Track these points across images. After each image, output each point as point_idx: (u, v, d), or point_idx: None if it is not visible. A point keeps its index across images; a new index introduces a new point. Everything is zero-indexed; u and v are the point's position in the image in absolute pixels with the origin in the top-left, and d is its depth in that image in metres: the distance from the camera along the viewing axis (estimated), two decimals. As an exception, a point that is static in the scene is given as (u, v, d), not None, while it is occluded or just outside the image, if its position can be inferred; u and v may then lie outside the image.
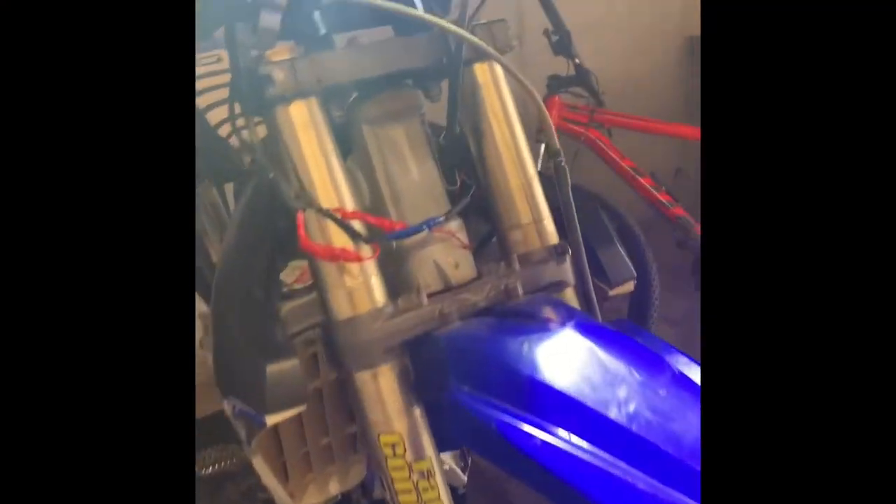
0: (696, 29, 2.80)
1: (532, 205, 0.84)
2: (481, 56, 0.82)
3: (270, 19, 0.76)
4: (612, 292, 0.86)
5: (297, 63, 0.74)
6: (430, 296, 0.78)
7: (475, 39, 0.76)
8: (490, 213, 0.86)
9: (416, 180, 0.83)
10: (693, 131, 2.47)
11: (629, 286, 0.87)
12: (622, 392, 0.60)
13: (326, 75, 0.75)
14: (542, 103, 0.78)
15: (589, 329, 0.68)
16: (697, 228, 2.22)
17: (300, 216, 0.72)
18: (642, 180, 2.45)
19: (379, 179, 0.82)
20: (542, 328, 0.69)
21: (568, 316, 0.72)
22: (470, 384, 0.68)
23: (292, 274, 0.90)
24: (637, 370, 0.63)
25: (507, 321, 0.74)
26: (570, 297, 0.85)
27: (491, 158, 0.84)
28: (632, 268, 0.87)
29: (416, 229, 0.76)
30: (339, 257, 0.71)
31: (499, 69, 0.84)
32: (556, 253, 0.82)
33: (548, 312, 0.73)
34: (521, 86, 0.77)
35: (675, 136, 2.52)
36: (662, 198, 2.43)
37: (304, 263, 0.92)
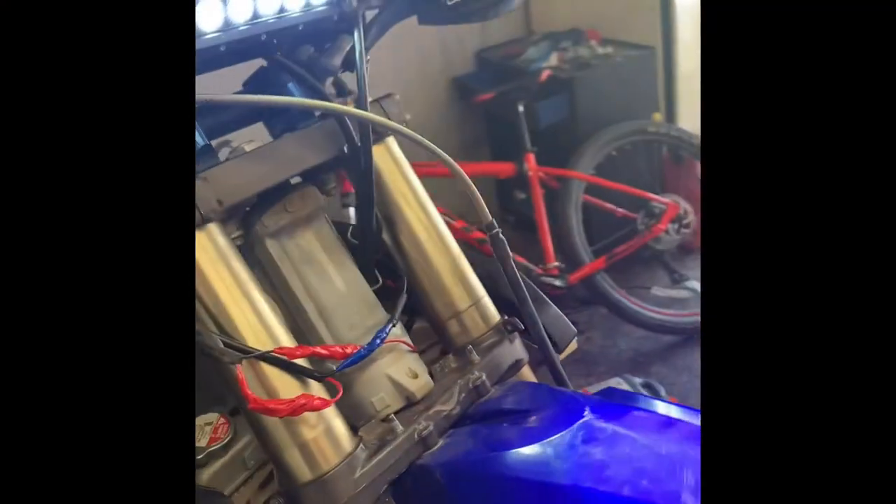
0: (457, 70, 2.91)
1: (466, 287, 0.76)
2: (376, 138, 0.74)
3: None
4: (561, 356, 0.81)
5: (197, 187, 0.60)
6: (391, 418, 0.67)
7: (388, 121, 0.68)
8: (421, 305, 0.77)
9: (341, 289, 0.72)
10: (491, 167, 2.52)
11: (574, 345, 0.83)
12: (678, 473, 0.55)
13: (227, 195, 0.62)
14: (467, 178, 0.71)
15: (601, 411, 0.62)
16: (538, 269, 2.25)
17: (239, 371, 0.58)
18: (455, 224, 2.47)
19: (299, 298, 0.70)
20: (548, 425, 0.62)
21: (554, 399, 0.66)
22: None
23: (202, 436, 0.73)
24: (674, 443, 0.58)
25: (497, 426, 0.65)
26: (526, 374, 0.79)
27: (411, 247, 0.76)
28: (572, 325, 0.83)
29: (371, 347, 0.65)
30: (303, 408, 0.58)
31: (395, 147, 0.76)
32: (507, 331, 0.76)
33: (534, 402, 0.66)
34: (443, 160, 0.70)
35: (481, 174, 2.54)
36: (475, 236, 2.47)
37: (211, 418, 0.76)
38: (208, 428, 0.74)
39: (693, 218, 2.29)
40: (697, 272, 2.33)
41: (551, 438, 0.59)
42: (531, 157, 2.25)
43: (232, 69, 0.71)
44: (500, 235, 0.73)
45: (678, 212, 2.25)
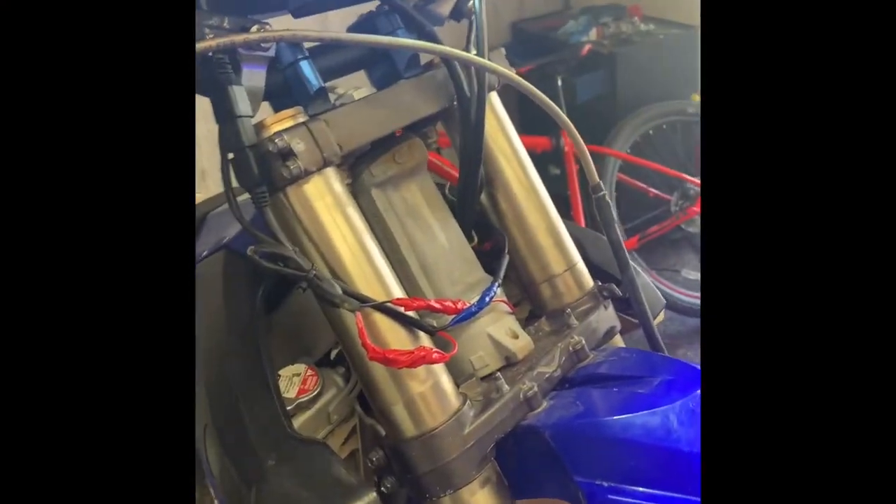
0: (492, 41, 2.87)
1: (563, 251, 0.75)
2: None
3: (255, 76, 0.59)
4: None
5: (315, 129, 0.58)
6: (495, 377, 0.66)
7: (504, 70, 0.65)
8: (514, 267, 0.76)
9: (444, 245, 0.70)
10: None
11: (662, 315, 0.82)
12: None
13: (347, 139, 0.60)
14: (577, 135, 0.69)
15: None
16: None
17: (359, 319, 0.57)
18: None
19: (402, 251, 0.68)
20: (664, 391, 0.61)
21: (669, 366, 0.64)
22: (599, 475, 0.58)
23: (290, 387, 0.72)
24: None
25: (606, 391, 0.64)
26: (617, 341, 0.78)
27: (509, 207, 0.74)
28: (661, 295, 0.82)
29: (481, 305, 0.64)
30: (423, 360, 0.57)
31: (498, 103, 0.74)
32: (603, 297, 0.74)
33: (644, 369, 0.65)
34: (556, 117, 0.67)
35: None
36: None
37: (299, 369, 0.75)
38: (297, 379, 0.73)
39: (728, 202, 2.27)
40: (728, 257, 2.32)
41: (673, 405, 0.58)
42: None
43: (323, 18, 0.68)
44: (607, 199, 0.71)
45: (713, 195, 2.23)
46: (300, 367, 0.74)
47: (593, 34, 2.47)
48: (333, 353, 0.79)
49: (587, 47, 2.32)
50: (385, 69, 0.71)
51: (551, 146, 2.25)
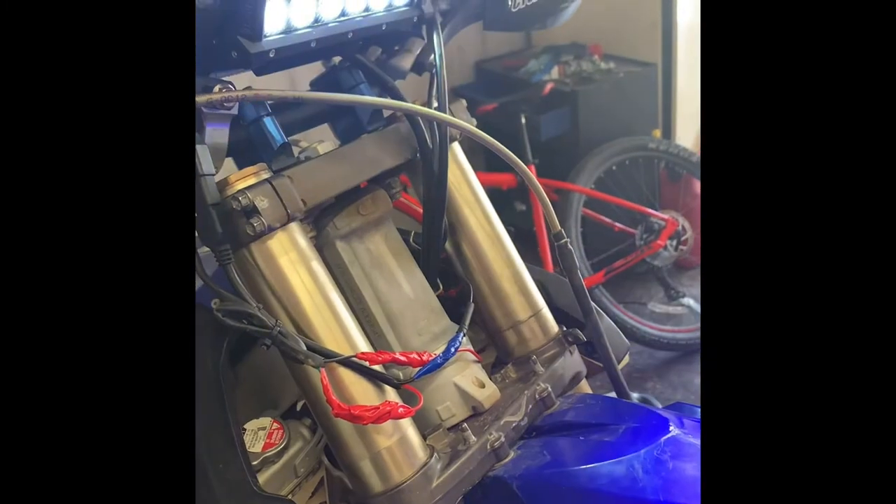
0: (457, 80, 2.92)
1: (527, 297, 0.75)
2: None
3: (218, 133, 0.59)
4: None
5: (278, 186, 0.58)
6: (462, 428, 0.66)
7: (464, 124, 0.67)
8: (478, 314, 0.76)
9: (409, 295, 0.70)
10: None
11: (627, 358, 0.83)
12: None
13: (311, 194, 0.61)
14: (538, 185, 0.71)
15: (686, 426, 0.61)
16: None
17: (324, 376, 0.56)
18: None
19: (368, 302, 0.68)
20: (630, 439, 0.61)
21: (635, 413, 0.65)
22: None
23: (256, 441, 0.71)
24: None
25: (572, 439, 0.64)
26: (583, 387, 0.78)
27: (473, 254, 0.75)
28: (625, 339, 0.83)
29: (447, 356, 0.64)
30: (388, 416, 0.57)
31: (460, 153, 0.75)
32: (568, 342, 0.75)
33: (610, 416, 0.65)
34: (516, 167, 0.69)
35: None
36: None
37: (265, 423, 0.74)
38: (262, 433, 0.72)
39: (690, 235, 2.31)
40: (693, 289, 2.36)
41: (638, 453, 0.58)
42: (532, 169, 2.25)
43: (289, 71, 0.69)
44: (569, 246, 0.72)
45: (676, 228, 2.28)
46: (266, 421, 0.73)
47: (555, 72, 2.52)
48: (299, 405, 0.79)
49: (549, 86, 2.37)
50: (348, 122, 0.72)
51: (517, 182, 2.28)
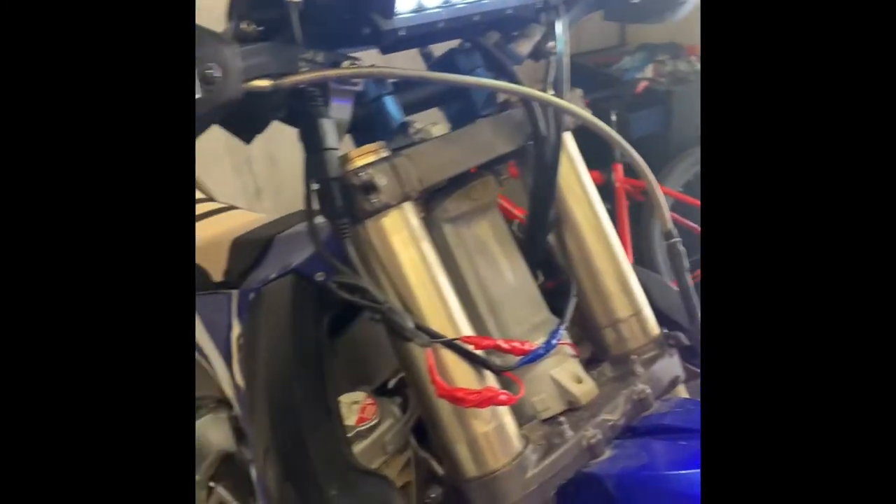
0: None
1: (629, 296, 0.74)
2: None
3: (342, 109, 0.60)
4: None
5: (397, 164, 0.59)
6: (559, 421, 0.65)
7: (584, 113, 0.65)
8: (580, 308, 0.75)
9: (511, 283, 0.70)
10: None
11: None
12: None
13: (426, 175, 0.61)
14: (654, 180, 0.69)
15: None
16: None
17: (430, 355, 0.57)
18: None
19: (471, 287, 0.68)
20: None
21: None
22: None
23: (349, 415, 0.72)
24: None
25: (672, 443, 0.63)
26: (680, 389, 0.76)
27: (576, 248, 0.74)
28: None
29: (549, 347, 0.64)
30: (490, 401, 0.57)
31: (572, 143, 0.74)
32: (668, 345, 0.73)
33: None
34: (632, 159, 0.67)
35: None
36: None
37: (358, 397, 0.75)
38: (355, 407, 0.73)
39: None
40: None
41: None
42: (619, 168, 2.20)
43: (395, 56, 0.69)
44: (680, 246, 0.70)
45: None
46: (359, 396, 0.74)
47: (649, 71, 2.46)
48: (391, 383, 0.79)
49: (643, 84, 2.31)
50: (461, 106, 0.72)
51: (602, 181, 2.24)
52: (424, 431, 0.77)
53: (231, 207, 1.14)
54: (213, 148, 1.97)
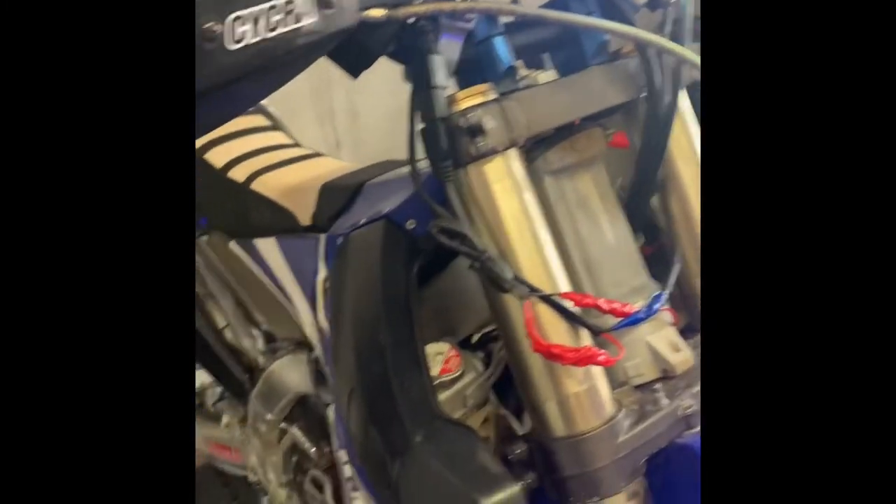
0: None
1: (734, 264, 0.70)
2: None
3: (452, 47, 0.58)
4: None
5: (506, 108, 0.56)
6: (653, 388, 0.62)
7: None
8: (679, 277, 0.71)
9: (611, 243, 0.67)
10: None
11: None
12: None
13: (534, 122, 0.58)
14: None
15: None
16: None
17: (528, 308, 0.55)
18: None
19: (568, 243, 0.65)
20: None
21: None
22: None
23: (433, 365, 0.71)
24: None
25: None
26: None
27: (683, 213, 0.70)
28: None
29: (650, 312, 0.61)
30: (588, 360, 0.54)
31: (686, 101, 0.70)
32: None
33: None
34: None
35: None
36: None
37: (442, 348, 0.74)
38: (439, 357, 0.72)
39: None
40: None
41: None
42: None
43: None
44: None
45: None
46: (444, 347, 0.73)
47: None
48: (475, 338, 0.78)
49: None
50: (570, 54, 0.69)
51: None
52: (504, 389, 0.76)
53: (318, 154, 1.14)
54: (298, 98, 1.98)
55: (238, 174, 1.04)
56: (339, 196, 0.86)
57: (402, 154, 0.96)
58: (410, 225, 0.70)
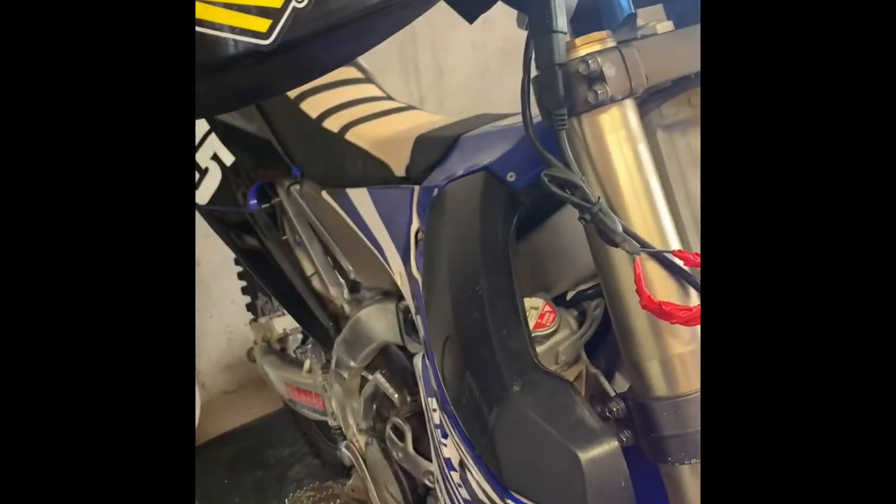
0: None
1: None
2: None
3: (570, -9, 0.56)
4: None
5: (627, 56, 0.54)
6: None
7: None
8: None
9: (721, 203, 0.64)
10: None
11: None
12: None
13: (653, 72, 0.56)
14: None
15: None
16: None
17: (637, 263, 0.54)
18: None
19: (678, 200, 0.64)
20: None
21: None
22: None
23: (529, 318, 0.71)
24: None
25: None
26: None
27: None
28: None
29: (763, 274, 0.58)
30: (698, 321, 0.53)
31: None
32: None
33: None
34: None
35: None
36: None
37: (538, 303, 0.73)
38: (534, 312, 0.72)
39: None
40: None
41: None
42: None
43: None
44: None
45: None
46: (538, 302, 0.72)
47: None
48: (570, 295, 0.77)
49: None
50: (687, 5, 0.66)
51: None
52: (596, 348, 0.75)
53: (412, 108, 1.14)
54: (386, 53, 1.98)
55: (333, 124, 1.05)
56: (434, 148, 0.86)
57: (485, 111, 0.96)
58: (511, 177, 0.69)
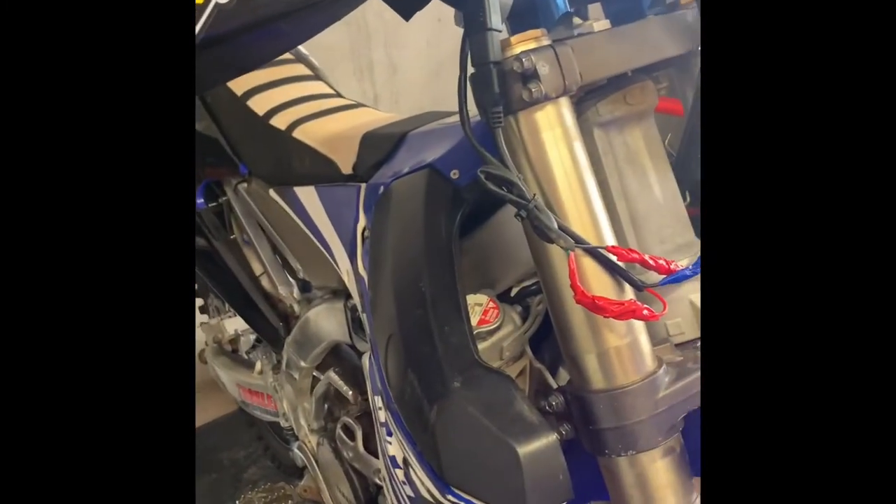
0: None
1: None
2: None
3: (507, -11, 0.56)
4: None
5: (561, 54, 0.55)
6: (694, 347, 0.62)
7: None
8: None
9: (658, 199, 0.66)
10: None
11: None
12: None
13: (588, 70, 0.57)
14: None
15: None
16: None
17: (572, 259, 0.54)
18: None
19: (615, 197, 0.65)
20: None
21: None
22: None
23: (471, 315, 0.72)
24: None
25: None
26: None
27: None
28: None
29: (696, 270, 0.60)
30: (631, 315, 0.54)
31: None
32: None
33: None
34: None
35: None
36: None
37: (481, 300, 0.74)
38: (478, 309, 0.72)
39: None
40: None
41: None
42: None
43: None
44: None
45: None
46: (482, 298, 0.73)
47: None
48: (514, 291, 0.78)
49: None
50: (626, 4, 0.67)
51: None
52: (540, 343, 0.76)
53: (360, 105, 1.13)
54: (338, 50, 1.97)
55: (280, 122, 1.04)
56: (381, 145, 0.86)
57: (440, 108, 0.96)
58: (454, 174, 0.69)
